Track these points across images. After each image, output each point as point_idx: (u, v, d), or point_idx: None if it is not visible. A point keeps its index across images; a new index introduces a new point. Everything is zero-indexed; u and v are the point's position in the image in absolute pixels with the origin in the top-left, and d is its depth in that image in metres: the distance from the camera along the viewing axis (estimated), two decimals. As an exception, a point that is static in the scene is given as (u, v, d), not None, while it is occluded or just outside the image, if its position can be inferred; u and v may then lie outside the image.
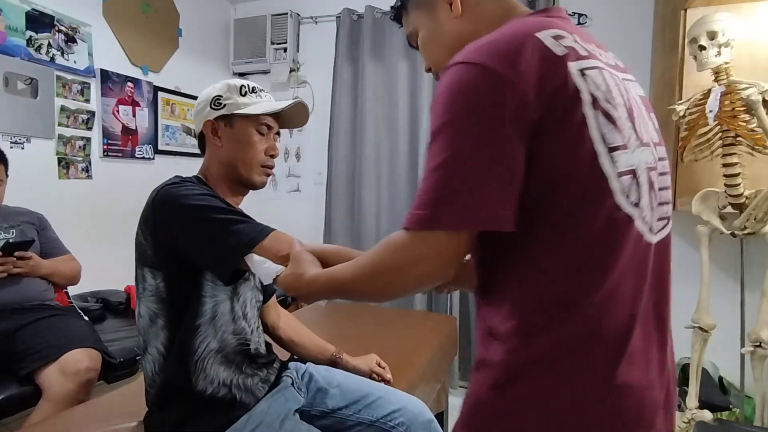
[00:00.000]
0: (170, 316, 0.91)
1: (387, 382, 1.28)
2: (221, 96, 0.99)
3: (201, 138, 1.04)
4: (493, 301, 0.58)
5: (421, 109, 2.58)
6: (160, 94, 2.62)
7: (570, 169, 0.52)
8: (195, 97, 2.83)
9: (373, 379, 1.27)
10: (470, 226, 0.52)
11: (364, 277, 0.59)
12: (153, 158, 2.58)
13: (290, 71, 2.93)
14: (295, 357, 1.22)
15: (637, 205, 0.54)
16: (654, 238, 0.58)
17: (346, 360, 1.28)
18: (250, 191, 1.05)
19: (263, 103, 1.00)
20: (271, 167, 1.03)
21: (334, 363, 1.26)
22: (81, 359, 1.38)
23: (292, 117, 1.06)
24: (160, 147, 2.63)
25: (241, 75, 3.09)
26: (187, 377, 0.91)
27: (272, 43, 2.91)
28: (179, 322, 0.91)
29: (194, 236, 0.84)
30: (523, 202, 0.53)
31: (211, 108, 0.99)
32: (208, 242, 0.83)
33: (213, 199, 0.87)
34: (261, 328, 1.07)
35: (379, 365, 1.31)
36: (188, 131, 1.07)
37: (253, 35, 2.96)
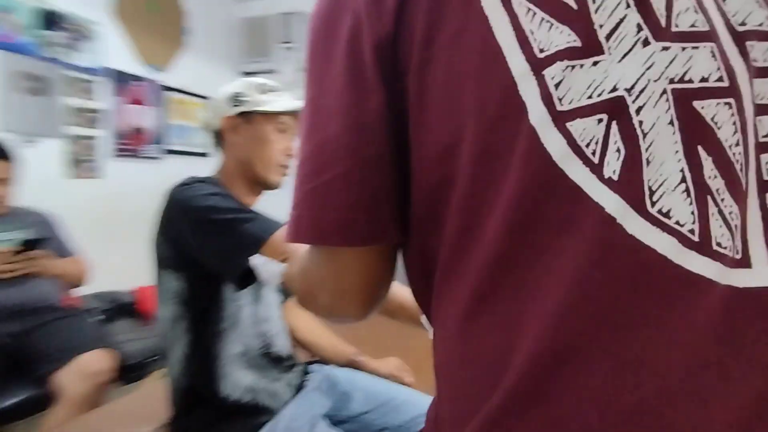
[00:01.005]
0: (193, 318, 0.90)
1: (407, 385, 1.26)
2: (241, 93, 0.98)
3: (217, 136, 1.02)
4: None
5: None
6: (169, 93, 2.60)
7: (461, 122, 0.30)
8: (203, 96, 2.82)
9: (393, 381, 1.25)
10: (295, 237, 0.36)
11: (297, 297, 0.47)
12: (161, 157, 2.56)
13: (298, 70, 2.91)
14: (314, 359, 1.20)
15: (622, 181, 0.26)
16: (745, 278, 0.27)
17: (365, 362, 1.26)
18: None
19: (283, 101, 0.99)
20: (288, 168, 1.01)
21: (352, 365, 1.25)
22: (97, 361, 1.36)
23: None
24: (169, 146, 2.61)
25: (249, 74, 3.07)
26: (211, 383, 0.89)
27: (280, 43, 2.89)
28: (202, 325, 0.90)
29: (202, 238, 0.82)
30: (409, 196, 0.35)
31: (231, 105, 0.98)
32: (214, 244, 0.81)
33: (221, 199, 0.85)
34: (286, 330, 1.06)
35: (397, 369, 1.29)
36: (207, 127, 1.07)
37: (260, 34, 2.94)
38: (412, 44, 0.31)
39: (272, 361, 0.97)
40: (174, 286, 0.89)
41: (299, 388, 1.02)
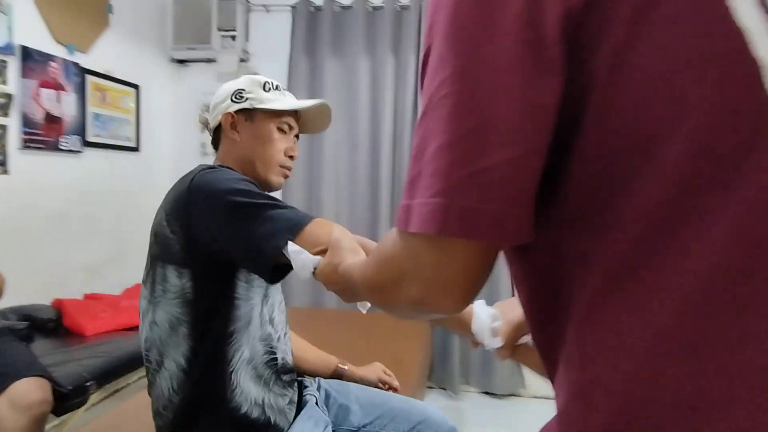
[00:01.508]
0: (196, 321, 0.80)
1: (395, 389, 1.24)
2: (244, 90, 0.94)
3: (215, 132, 0.97)
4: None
5: (383, 107, 2.54)
6: (90, 77, 2.29)
7: (674, 112, 0.27)
8: (129, 84, 2.53)
9: (380, 387, 1.22)
10: (440, 228, 0.32)
11: (364, 287, 0.46)
12: (81, 151, 2.25)
13: (240, 61, 2.72)
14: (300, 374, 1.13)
15: None
16: None
17: (352, 371, 1.22)
18: None
19: (287, 100, 0.96)
20: (290, 168, 0.97)
21: (339, 375, 1.20)
22: (31, 390, 1.15)
23: (314, 121, 1.02)
24: (90, 138, 2.29)
25: (182, 62, 2.81)
26: (219, 392, 0.81)
27: (219, 30, 2.69)
28: (207, 328, 0.81)
29: (232, 223, 0.74)
30: (565, 189, 0.32)
31: (232, 101, 0.94)
32: (247, 229, 0.73)
33: (251, 184, 0.80)
34: (288, 335, 0.98)
35: (384, 373, 1.26)
36: (205, 122, 1.00)
37: (196, 19, 2.70)
38: (613, 18, 0.28)
39: (275, 372, 0.90)
40: (178, 285, 0.79)
41: (299, 404, 0.96)
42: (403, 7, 2.54)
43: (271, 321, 0.91)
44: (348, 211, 2.62)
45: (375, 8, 2.58)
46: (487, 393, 2.54)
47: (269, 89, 0.94)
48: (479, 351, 2.65)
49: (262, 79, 0.95)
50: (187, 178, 0.80)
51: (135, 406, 1.29)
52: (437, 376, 2.55)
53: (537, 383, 2.49)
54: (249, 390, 0.84)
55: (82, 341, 1.76)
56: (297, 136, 1.00)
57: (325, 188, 2.61)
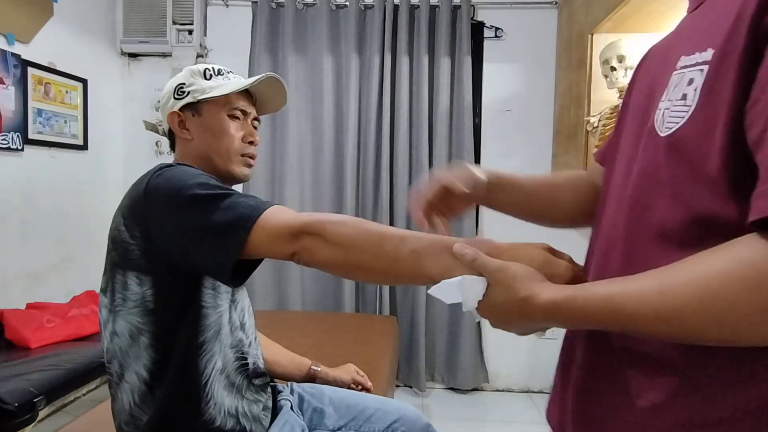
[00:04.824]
0: (158, 332, 0.76)
1: (368, 390, 1.23)
2: (184, 83, 0.88)
3: (170, 135, 0.92)
4: None
5: (347, 106, 2.52)
6: (31, 70, 2.13)
7: None
8: (75, 77, 2.37)
9: (353, 388, 1.21)
10: None
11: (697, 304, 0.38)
12: (22, 149, 2.08)
13: (197, 57, 2.62)
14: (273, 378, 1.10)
15: None
16: None
17: (325, 372, 1.20)
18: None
19: (232, 82, 0.90)
20: (252, 156, 0.92)
21: (312, 377, 1.18)
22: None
23: (269, 98, 0.96)
24: (31, 135, 2.13)
25: (133, 56, 2.67)
26: (193, 405, 0.77)
27: (174, 23, 2.57)
28: (171, 340, 0.76)
29: (189, 219, 0.68)
30: None
31: (175, 98, 0.88)
32: (204, 222, 0.67)
33: (211, 178, 0.75)
34: (258, 340, 0.95)
35: (357, 374, 1.25)
36: (153, 128, 0.93)
37: (149, 11, 2.58)
38: None
39: (247, 377, 0.87)
40: (138, 293, 0.74)
41: (274, 410, 0.93)
42: (367, 6, 2.53)
43: (242, 326, 0.87)
44: (312, 210, 2.58)
45: (339, 6, 2.55)
46: (451, 389, 2.58)
47: (211, 76, 0.88)
48: (444, 348, 2.62)
49: (203, 66, 0.89)
50: (144, 179, 0.75)
51: (90, 421, 1.21)
52: (403, 373, 2.56)
53: (499, 378, 2.56)
54: (222, 400, 0.80)
55: (27, 354, 1.63)
56: (257, 120, 0.94)
57: (289, 188, 2.56)
